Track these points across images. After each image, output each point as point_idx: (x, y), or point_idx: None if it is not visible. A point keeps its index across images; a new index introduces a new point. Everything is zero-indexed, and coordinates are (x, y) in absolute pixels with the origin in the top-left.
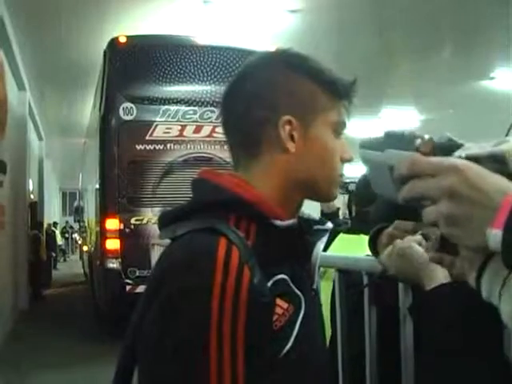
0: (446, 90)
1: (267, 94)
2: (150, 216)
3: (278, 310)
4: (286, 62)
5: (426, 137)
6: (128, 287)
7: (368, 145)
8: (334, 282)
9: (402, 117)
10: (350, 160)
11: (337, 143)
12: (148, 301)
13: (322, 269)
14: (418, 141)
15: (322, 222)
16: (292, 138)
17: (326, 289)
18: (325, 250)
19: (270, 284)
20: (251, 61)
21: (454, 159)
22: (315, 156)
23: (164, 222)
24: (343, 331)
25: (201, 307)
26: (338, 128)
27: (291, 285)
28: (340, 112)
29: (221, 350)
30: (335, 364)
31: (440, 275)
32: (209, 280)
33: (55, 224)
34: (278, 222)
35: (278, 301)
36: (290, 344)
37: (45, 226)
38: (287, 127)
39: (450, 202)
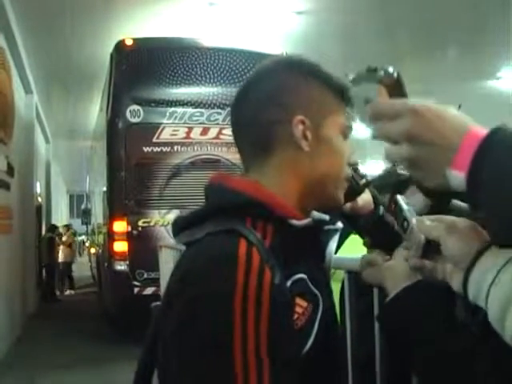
0: (453, 89)
1: (280, 96)
2: (157, 218)
3: (298, 310)
4: (297, 67)
5: (391, 69)
6: (136, 289)
7: (353, 80)
8: (343, 283)
9: None
10: (354, 164)
11: (345, 146)
12: (169, 304)
13: (331, 270)
14: (381, 73)
15: (332, 221)
16: (305, 137)
17: (335, 290)
18: (336, 250)
19: (289, 284)
20: (264, 65)
21: (414, 101)
22: (326, 156)
23: (179, 227)
24: (353, 333)
25: (224, 309)
26: (346, 131)
27: (309, 284)
28: (347, 116)
29: (245, 352)
30: (346, 365)
31: (400, 277)
32: (231, 281)
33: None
34: (295, 222)
35: (298, 300)
36: (310, 342)
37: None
38: (300, 126)
39: (410, 145)
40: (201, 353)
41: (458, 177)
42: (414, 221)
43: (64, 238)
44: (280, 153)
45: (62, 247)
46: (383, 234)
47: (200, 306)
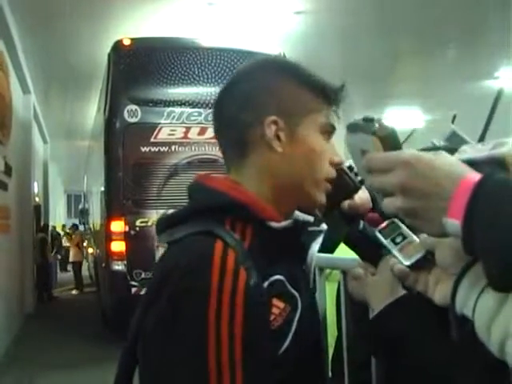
0: (451, 89)
1: (254, 97)
2: (155, 218)
3: (275, 310)
4: (273, 67)
5: (385, 122)
6: (134, 289)
7: (349, 127)
8: (339, 283)
9: (406, 117)
10: (338, 163)
11: (326, 146)
12: (148, 303)
13: (327, 270)
14: (376, 125)
15: (316, 223)
16: (278, 138)
17: (331, 291)
18: (332, 251)
19: (266, 285)
20: (242, 66)
21: (406, 153)
22: (302, 156)
23: (162, 226)
24: (349, 333)
25: (199, 310)
26: (326, 130)
27: (287, 285)
28: (328, 115)
29: (219, 351)
30: (341, 366)
31: (382, 293)
32: (206, 283)
33: (64, 226)
34: (273, 224)
35: (275, 301)
36: (287, 342)
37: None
38: (273, 127)
39: (404, 197)
40: (174, 354)
41: (454, 224)
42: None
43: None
44: (255, 154)
45: (71, 247)
46: (365, 247)
47: (175, 306)
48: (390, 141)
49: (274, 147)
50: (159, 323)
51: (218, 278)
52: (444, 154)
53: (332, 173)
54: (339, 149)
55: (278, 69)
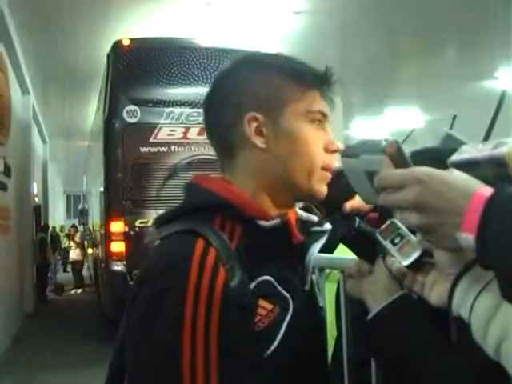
0: (450, 89)
1: (232, 96)
2: (154, 218)
3: (261, 311)
4: (251, 63)
5: (390, 139)
6: None
7: (345, 153)
8: (338, 283)
9: (406, 117)
10: (337, 151)
11: (316, 134)
12: (132, 302)
13: (327, 270)
14: (383, 143)
15: (320, 223)
16: (261, 133)
17: (330, 291)
18: (332, 251)
19: (253, 285)
20: (224, 67)
21: (418, 170)
22: (289, 148)
23: (156, 224)
24: (348, 333)
25: (175, 308)
26: (314, 117)
27: (277, 286)
28: (313, 101)
29: (194, 350)
30: (341, 366)
31: (379, 293)
32: (183, 281)
33: (62, 227)
34: (262, 223)
35: (262, 302)
36: (275, 344)
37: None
38: (253, 124)
39: (418, 213)
40: (152, 351)
41: (468, 239)
42: (413, 236)
43: (76, 238)
44: (242, 153)
45: (73, 247)
46: (362, 245)
47: (154, 304)
48: (399, 156)
49: (257, 144)
50: (138, 322)
51: (196, 276)
52: (456, 171)
53: (329, 160)
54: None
55: (253, 64)
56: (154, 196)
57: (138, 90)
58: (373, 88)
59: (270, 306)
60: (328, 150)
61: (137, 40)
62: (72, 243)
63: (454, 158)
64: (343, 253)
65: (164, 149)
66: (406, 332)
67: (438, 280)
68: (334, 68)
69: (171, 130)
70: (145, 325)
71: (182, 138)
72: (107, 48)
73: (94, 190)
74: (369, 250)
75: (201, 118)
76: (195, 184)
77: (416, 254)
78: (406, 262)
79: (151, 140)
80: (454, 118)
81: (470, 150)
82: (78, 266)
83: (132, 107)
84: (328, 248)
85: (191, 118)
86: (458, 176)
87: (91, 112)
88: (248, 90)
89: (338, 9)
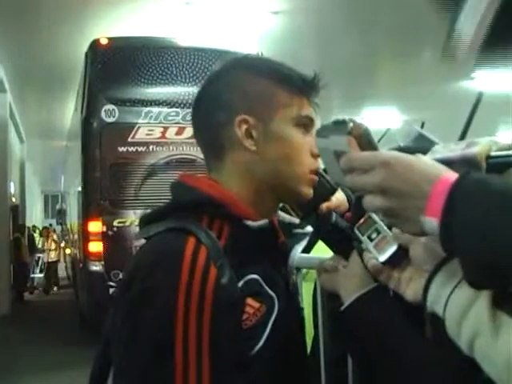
0: (428, 90)
1: (224, 98)
2: (132, 218)
3: (249, 310)
4: (243, 66)
5: (359, 121)
6: (111, 290)
7: (319, 133)
8: (315, 283)
9: (383, 117)
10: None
11: (304, 139)
12: (119, 300)
13: (304, 270)
14: (351, 125)
15: (301, 225)
16: (251, 136)
17: (307, 290)
18: (308, 251)
19: (241, 284)
20: (214, 68)
21: (384, 153)
22: (278, 152)
23: (142, 223)
24: (325, 332)
25: (167, 305)
26: (302, 123)
27: (263, 285)
28: (302, 106)
29: (186, 348)
30: (318, 365)
31: (353, 285)
32: (175, 279)
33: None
34: (249, 223)
35: (249, 300)
36: (261, 342)
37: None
38: (244, 126)
39: (384, 196)
40: (143, 348)
41: (431, 223)
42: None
43: (55, 237)
44: (231, 155)
45: (52, 247)
46: (338, 240)
47: (144, 302)
48: (366, 139)
49: (247, 146)
50: (127, 319)
51: (188, 273)
52: (423, 156)
53: (315, 164)
54: None
55: (246, 67)
56: (132, 196)
57: (116, 90)
58: (350, 88)
59: (257, 305)
60: (314, 155)
61: (115, 39)
62: (53, 244)
63: (427, 157)
64: (320, 252)
65: (142, 148)
66: (379, 322)
67: (414, 276)
68: (311, 68)
69: (149, 130)
70: (134, 322)
71: (160, 137)
72: (85, 47)
73: (72, 189)
74: (344, 245)
75: (178, 118)
76: (183, 183)
77: (392, 250)
78: (382, 258)
79: (129, 140)
80: (423, 124)
81: (443, 151)
82: (53, 266)
83: (110, 106)
84: (305, 248)
85: (169, 118)
86: (424, 161)
87: (69, 111)
88: (239, 93)
89: (315, 9)
